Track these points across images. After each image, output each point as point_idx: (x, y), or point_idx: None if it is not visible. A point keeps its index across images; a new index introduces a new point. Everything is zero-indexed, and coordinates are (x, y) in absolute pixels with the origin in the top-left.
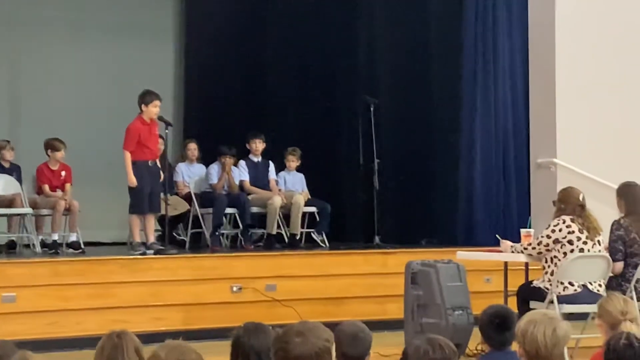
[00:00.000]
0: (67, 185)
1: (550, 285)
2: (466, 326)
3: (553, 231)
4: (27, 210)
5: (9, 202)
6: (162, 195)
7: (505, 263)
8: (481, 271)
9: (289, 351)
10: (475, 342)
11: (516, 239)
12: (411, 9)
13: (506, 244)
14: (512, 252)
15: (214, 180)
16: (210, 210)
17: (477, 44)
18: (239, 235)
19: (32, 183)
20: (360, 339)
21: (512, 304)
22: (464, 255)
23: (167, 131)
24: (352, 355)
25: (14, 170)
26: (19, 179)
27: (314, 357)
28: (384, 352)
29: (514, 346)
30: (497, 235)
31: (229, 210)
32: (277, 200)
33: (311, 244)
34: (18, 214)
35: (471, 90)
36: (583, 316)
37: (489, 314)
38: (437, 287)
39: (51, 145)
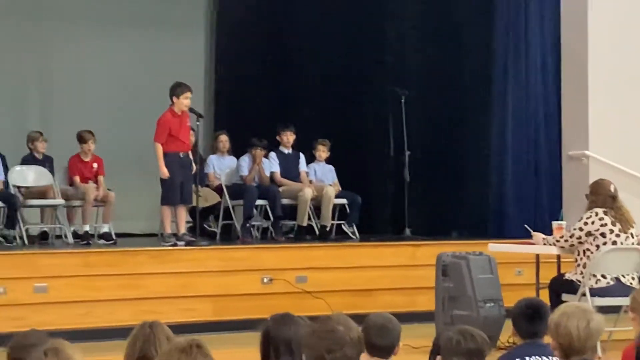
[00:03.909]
0: (100, 177)
1: (583, 278)
2: (497, 318)
3: (585, 224)
4: (59, 201)
5: (42, 193)
6: (193, 186)
7: (537, 255)
8: (512, 263)
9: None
10: (507, 334)
11: (547, 231)
12: (441, 1)
13: (538, 236)
14: (544, 244)
15: (245, 172)
16: (241, 202)
17: (509, 36)
18: (270, 227)
19: (64, 174)
20: (389, 329)
21: (544, 297)
22: (496, 247)
23: (198, 123)
24: (380, 346)
25: (47, 162)
26: (52, 171)
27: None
28: (414, 344)
29: (547, 339)
30: (526, 226)
31: (259, 202)
32: (308, 192)
33: (341, 235)
34: (50, 205)
35: (502, 82)
36: (615, 309)
37: (521, 306)
38: (468, 279)
39: (79, 137)
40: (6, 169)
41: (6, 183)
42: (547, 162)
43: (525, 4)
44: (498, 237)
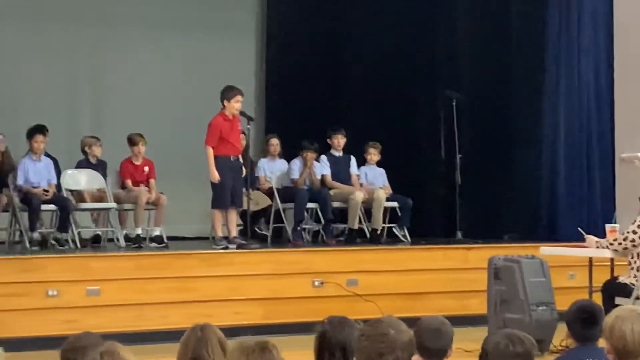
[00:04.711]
0: (152, 181)
1: (637, 281)
2: (550, 322)
3: (639, 226)
4: (111, 204)
5: (94, 196)
6: (244, 190)
7: (590, 259)
8: (565, 266)
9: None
10: (560, 338)
11: (600, 234)
12: (492, 2)
13: (591, 239)
14: (597, 247)
15: (296, 175)
16: (292, 205)
17: (561, 38)
18: (321, 230)
19: (116, 178)
20: (442, 332)
21: (597, 300)
22: (548, 250)
23: (249, 126)
24: (433, 349)
25: (100, 166)
26: (104, 175)
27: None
28: (466, 347)
29: (602, 342)
30: (579, 229)
31: (310, 205)
32: (359, 195)
33: (392, 239)
34: (102, 209)
35: (554, 83)
36: None
37: (575, 309)
38: (520, 283)
39: (129, 139)
40: (59, 173)
41: (59, 186)
42: (599, 165)
43: (578, 5)
44: (550, 240)
